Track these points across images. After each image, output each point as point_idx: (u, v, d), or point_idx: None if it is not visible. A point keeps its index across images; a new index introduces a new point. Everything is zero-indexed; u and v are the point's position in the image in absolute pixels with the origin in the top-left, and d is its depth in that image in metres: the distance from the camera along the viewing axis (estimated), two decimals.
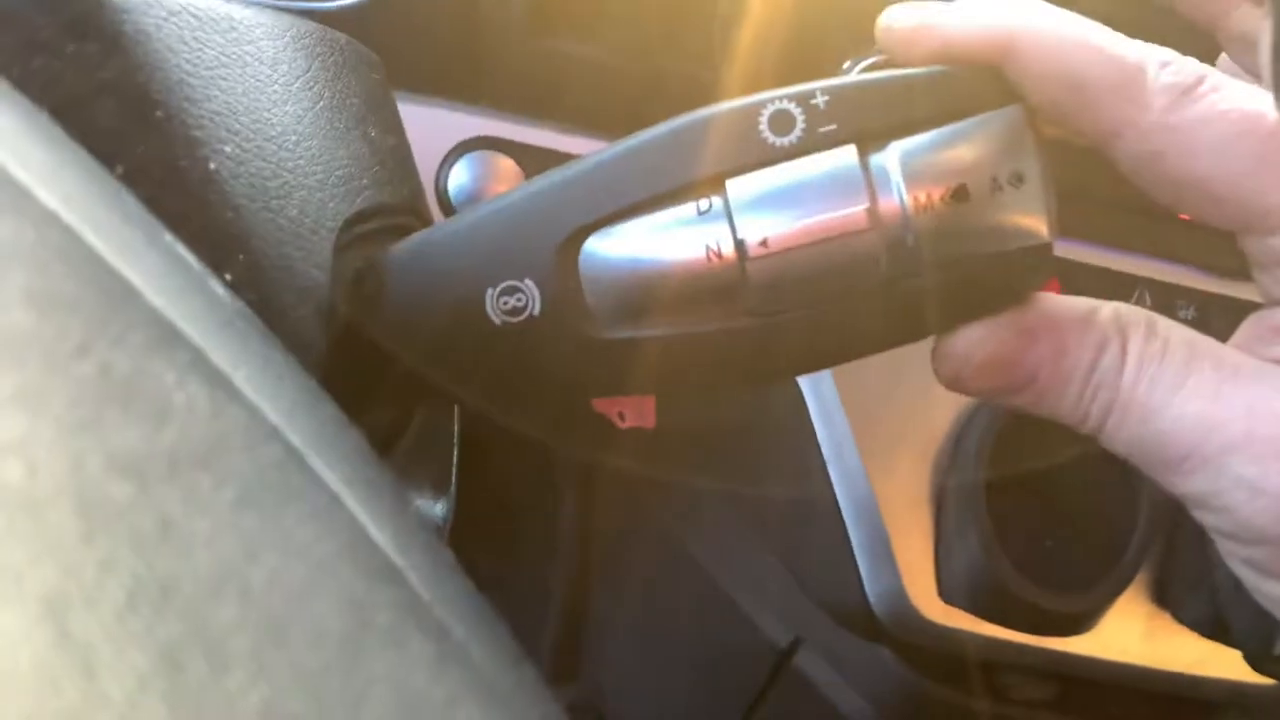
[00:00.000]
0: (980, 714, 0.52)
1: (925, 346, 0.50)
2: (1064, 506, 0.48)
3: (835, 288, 0.22)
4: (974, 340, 0.22)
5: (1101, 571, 0.48)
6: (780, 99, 0.22)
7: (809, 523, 0.53)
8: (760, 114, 0.22)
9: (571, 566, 0.79)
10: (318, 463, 0.13)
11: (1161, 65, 0.21)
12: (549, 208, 0.23)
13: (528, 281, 0.22)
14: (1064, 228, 0.49)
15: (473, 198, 0.48)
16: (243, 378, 0.13)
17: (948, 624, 0.49)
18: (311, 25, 0.26)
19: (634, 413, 0.50)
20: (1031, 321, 0.22)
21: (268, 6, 0.25)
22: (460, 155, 0.47)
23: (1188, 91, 0.21)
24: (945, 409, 0.50)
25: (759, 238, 0.22)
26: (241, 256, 0.21)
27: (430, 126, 0.47)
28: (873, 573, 0.49)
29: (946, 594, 0.49)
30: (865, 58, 0.46)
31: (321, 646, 0.10)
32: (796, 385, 0.49)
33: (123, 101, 0.21)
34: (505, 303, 0.23)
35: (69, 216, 0.13)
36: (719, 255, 0.22)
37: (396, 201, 0.26)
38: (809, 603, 0.56)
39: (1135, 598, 0.49)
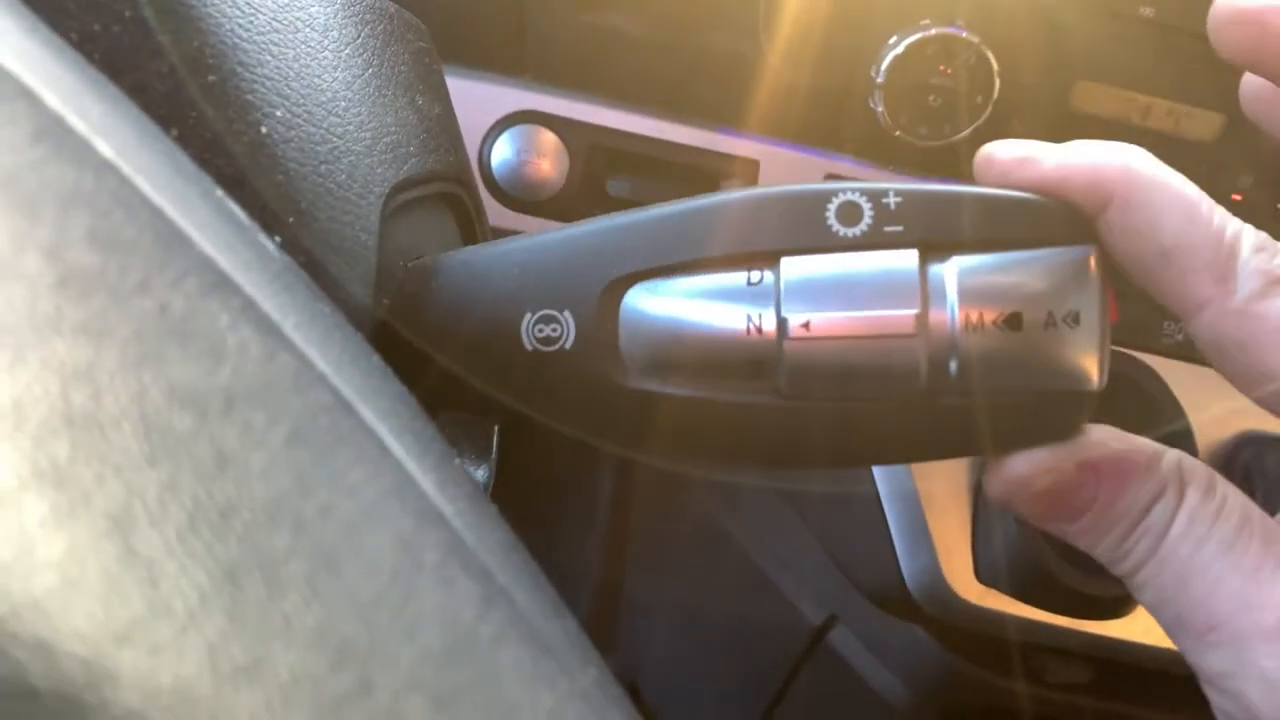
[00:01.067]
0: (1015, 695, 0.52)
1: None
2: None
3: (869, 387, 0.21)
4: (1034, 467, 0.22)
5: None
6: (853, 190, 0.22)
7: (846, 502, 0.53)
8: (830, 201, 0.22)
9: (608, 542, 0.80)
10: (366, 412, 0.13)
11: (1256, 249, 0.20)
12: (604, 247, 0.23)
13: (566, 314, 0.23)
14: None
15: (516, 171, 0.48)
16: (291, 326, 0.13)
17: (983, 604, 0.49)
18: None
19: None
20: (1094, 457, 0.22)
21: None
22: (504, 129, 0.48)
23: (1278, 282, 0.20)
24: None
25: (802, 319, 0.21)
26: (291, 219, 0.22)
27: (475, 100, 0.47)
28: (909, 552, 0.49)
29: (983, 575, 0.49)
30: (911, 33, 0.46)
31: (373, 578, 0.10)
32: None
33: (176, 66, 0.21)
34: (541, 330, 0.23)
35: (125, 167, 0.13)
36: (759, 329, 0.22)
37: (443, 169, 0.26)
38: (844, 581, 0.56)
39: None
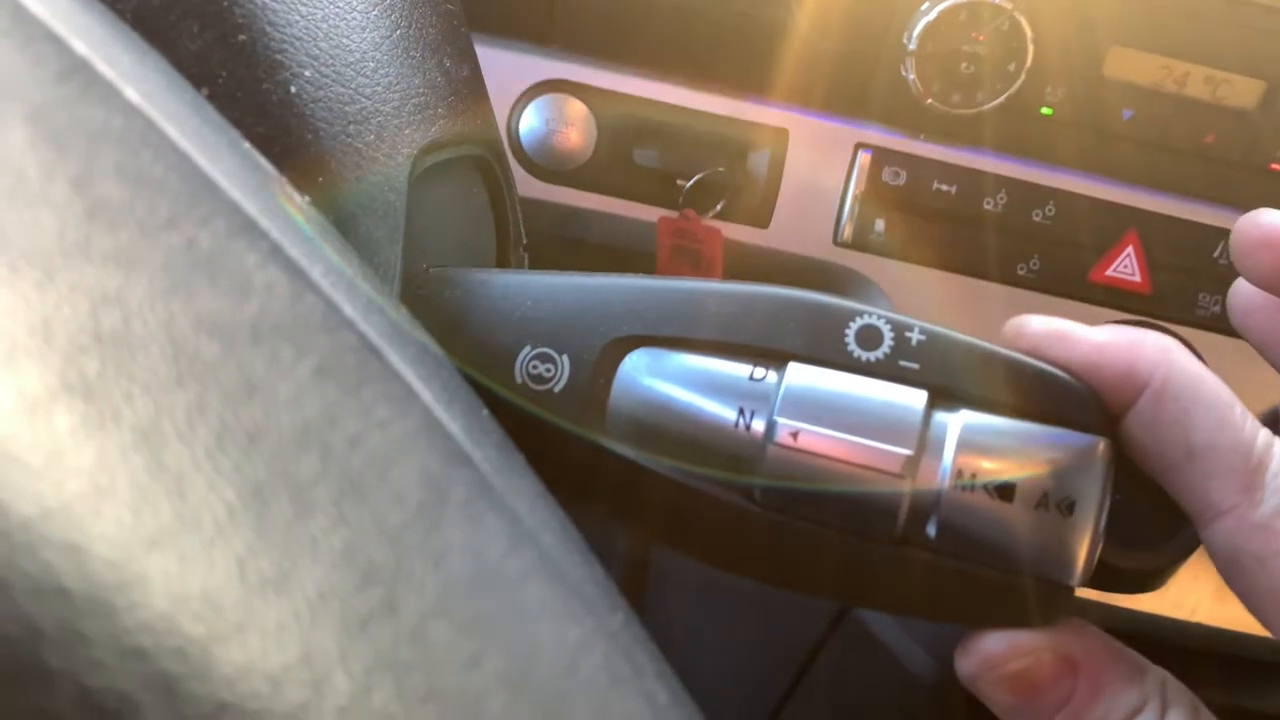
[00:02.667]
0: None
1: (1000, 300, 0.49)
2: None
3: (842, 516, 0.21)
4: (1010, 647, 0.21)
5: (1173, 529, 0.47)
6: (879, 316, 0.22)
7: None
8: (853, 320, 0.22)
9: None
10: (393, 356, 0.13)
11: None
12: (620, 303, 0.23)
13: (564, 358, 0.22)
14: (1154, 180, 0.47)
15: (544, 141, 0.48)
16: (319, 273, 0.13)
17: None
18: None
19: None
20: (1076, 651, 0.21)
21: None
22: (532, 98, 0.48)
23: None
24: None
25: (792, 428, 0.21)
26: (320, 179, 0.22)
27: (503, 69, 0.47)
28: None
29: None
30: (942, 1, 0.45)
31: (401, 508, 0.10)
32: None
33: (207, 25, 0.21)
34: (535, 366, 0.23)
35: (153, 112, 0.13)
36: (747, 426, 0.21)
37: (470, 132, 0.26)
38: None
39: (1206, 556, 0.48)
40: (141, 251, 0.10)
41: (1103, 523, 0.21)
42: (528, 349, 0.23)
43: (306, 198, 0.22)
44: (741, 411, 0.21)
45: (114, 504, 0.08)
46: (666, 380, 0.22)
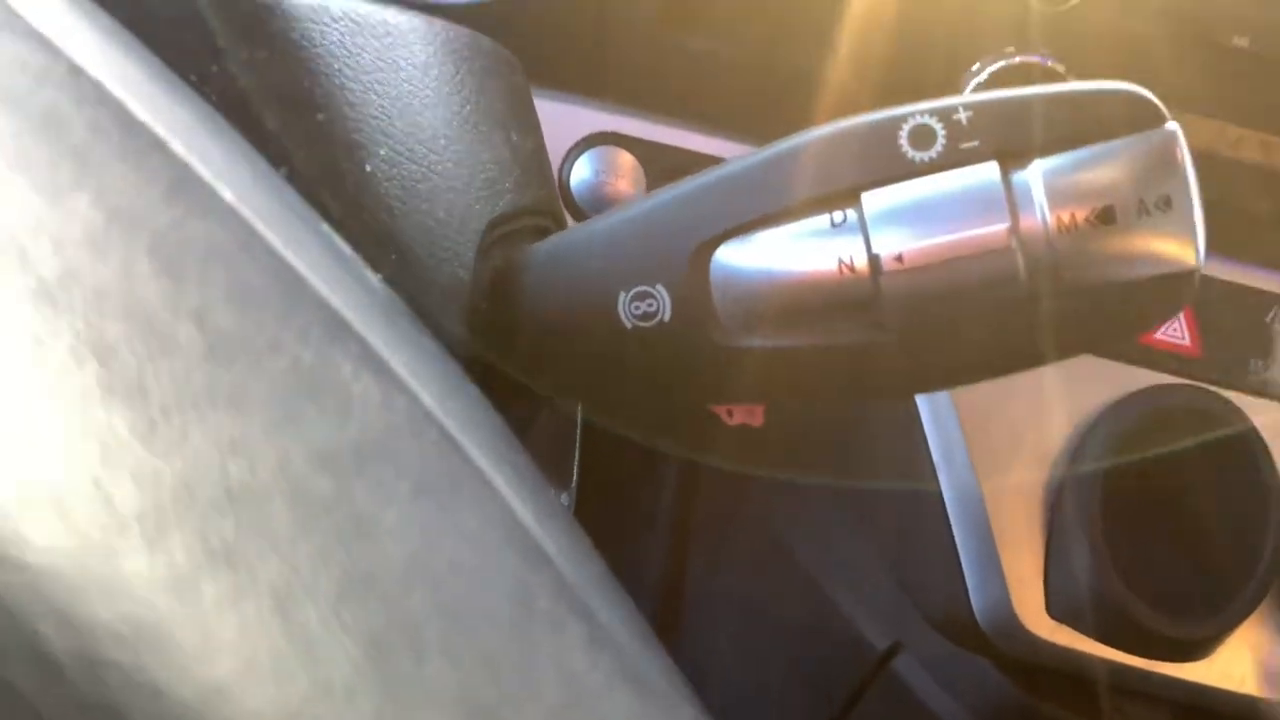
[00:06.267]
0: None
1: None
2: (1186, 524, 0.46)
3: (972, 306, 0.22)
4: None
5: (1223, 596, 0.46)
6: (922, 113, 0.22)
7: (915, 527, 0.52)
8: (901, 127, 0.22)
9: (669, 552, 0.80)
10: (469, 446, 0.14)
11: None
12: (684, 215, 0.23)
13: (659, 287, 0.23)
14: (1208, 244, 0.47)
15: (594, 191, 0.48)
16: (400, 363, 0.14)
17: (1054, 641, 0.48)
18: (461, 30, 0.27)
19: (742, 410, 0.50)
20: None
21: (412, 6, 0.27)
22: (584, 150, 0.48)
23: None
24: (1063, 415, 0.49)
25: (894, 252, 0.21)
26: (394, 256, 0.22)
27: (555, 120, 0.48)
28: (979, 583, 0.49)
29: (1054, 610, 0.48)
30: (995, 61, 0.45)
31: (498, 632, 0.10)
32: None
33: (287, 105, 0.22)
34: (637, 307, 0.23)
35: (248, 213, 0.14)
36: (851, 269, 0.22)
37: (535, 204, 0.27)
38: (911, 607, 0.55)
39: (1257, 624, 0.47)
40: (254, 385, 0.10)
41: (1197, 200, 0.21)
42: (623, 294, 0.23)
43: (381, 275, 0.23)
44: (840, 259, 0.22)
45: (260, 679, 0.08)
46: (757, 263, 0.22)
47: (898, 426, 0.51)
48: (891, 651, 0.58)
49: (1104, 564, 0.46)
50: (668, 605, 0.81)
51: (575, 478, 0.29)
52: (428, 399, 0.14)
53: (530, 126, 0.28)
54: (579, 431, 0.30)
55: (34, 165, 0.11)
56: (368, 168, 0.22)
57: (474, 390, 0.17)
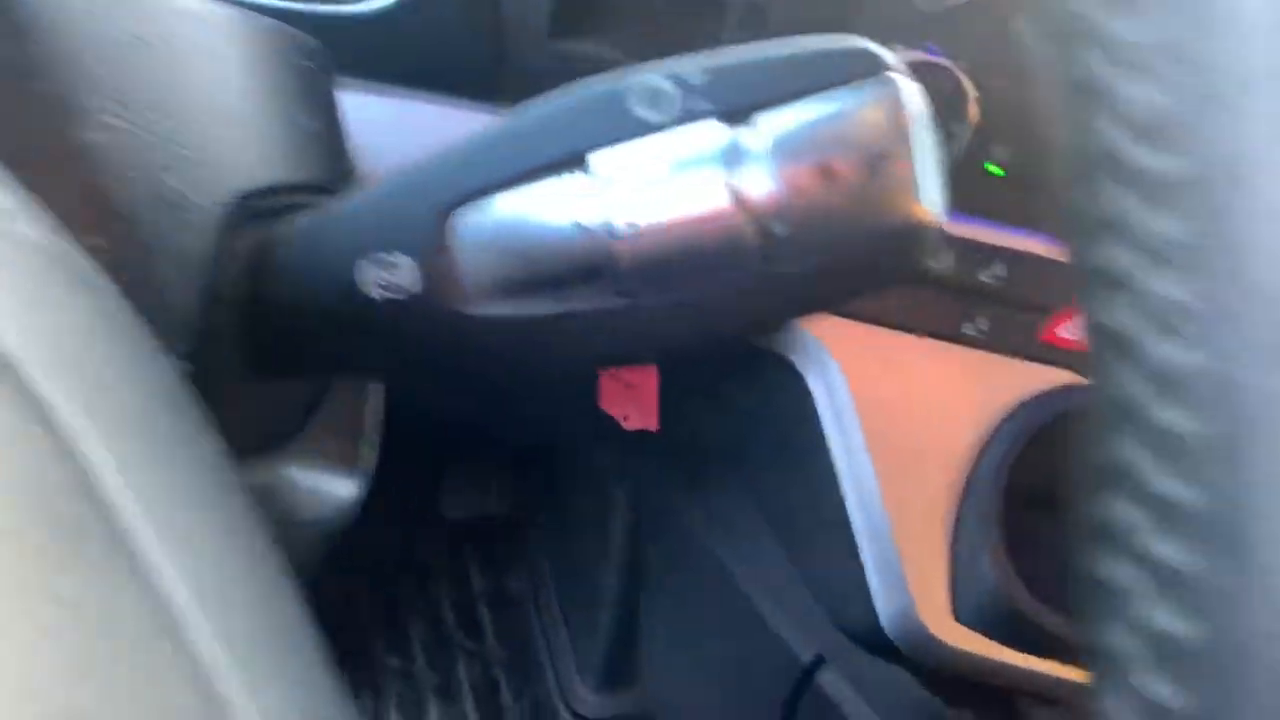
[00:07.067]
0: None
1: (947, 360, 0.47)
2: None
3: (704, 271, 0.21)
4: None
5: None
6: (656, 74, 0.22)
7: (823, 535, 0.51)
8: (633, 90, 0.22)
9: (622, 577, 0.79)
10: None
11: None
12: (424, 182, 0.23)
13: (405, 257, 0.23)
14: None
15: None
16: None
17: (962, 647, 0.47)
18: (263, 21, 0.27)
19: (638, 414, 0.49)
20: None
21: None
22: None
23: None
24: (966, 426, 0.48)
25: (627, 218, 0.21)
26: (122, 224, 0.22)
27: (451, 127, 0.48)
28: (883, 591, 0.48)
29: (961, 615, 0.47)
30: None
31: None
32: (805, 386, 0.48)
33: (3, 69, 0.22)
34: (383, 278, 0.23)
35: None
36: (588, 234, 0.21)
37: (311, 181, 0.26)
38: (828, 620, 0.54)
39: None
40: None
41: (925, 152, 0.21)
42: (370, 266, 0.23)
43: (105, 242, 0.23)
44: (577, 224, 0.22)
45: None
46: (497, 229, 0.22)
47: (802, 425, 0.50)
48: (816, 664, 0.56)
49: (1005, 568, 0.45)
50: (623, 629, 0.80)
51: (374, 461, 0.28)
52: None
53: (317, 108, 0.28)
54: (384, 412, 0.30)
55: None
56: (95, 136, 0.22)
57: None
